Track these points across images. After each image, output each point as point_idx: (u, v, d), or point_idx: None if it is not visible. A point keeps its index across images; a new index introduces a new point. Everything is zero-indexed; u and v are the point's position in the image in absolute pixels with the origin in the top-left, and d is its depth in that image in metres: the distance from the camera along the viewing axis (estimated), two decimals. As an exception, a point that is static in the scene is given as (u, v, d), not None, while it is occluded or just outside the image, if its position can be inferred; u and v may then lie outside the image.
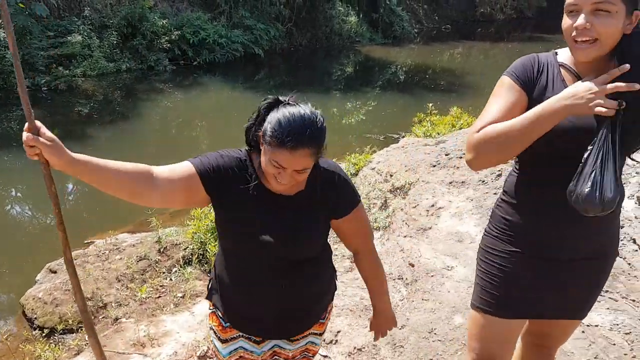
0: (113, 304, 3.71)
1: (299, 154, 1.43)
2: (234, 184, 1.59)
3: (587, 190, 1.45)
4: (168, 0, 15.13)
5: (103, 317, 3.61)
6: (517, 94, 1.59)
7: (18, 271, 4.57)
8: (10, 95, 10.17)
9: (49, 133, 1.39)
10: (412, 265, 3.48)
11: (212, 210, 2.37)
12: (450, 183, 4.83)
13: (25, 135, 1.37)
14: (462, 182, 4.84)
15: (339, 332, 2.87)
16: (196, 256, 4.24)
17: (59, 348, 3.36)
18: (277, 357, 1.85)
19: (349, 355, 2.70)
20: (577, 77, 1.56)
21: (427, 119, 7.88)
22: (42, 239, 5.45)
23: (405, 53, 19.83)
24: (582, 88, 1.42)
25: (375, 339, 1.98)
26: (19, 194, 6.81)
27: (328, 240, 1.78)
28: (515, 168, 1.74)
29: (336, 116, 11.55)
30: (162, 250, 4.36)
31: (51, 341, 3.49)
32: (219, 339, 1.82)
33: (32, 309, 3.79)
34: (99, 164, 1.44)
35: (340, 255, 4.22)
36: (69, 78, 11.21)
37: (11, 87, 10.37)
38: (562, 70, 1.60)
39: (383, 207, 4.84)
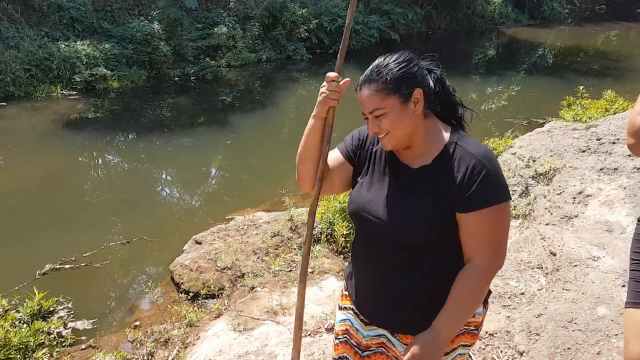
0: (250, 275, 3.92)
1: (363, 94, 1.48)
2: (368, 150, 1.64)
3: None
4: (307, -11, 15.54)
5: (241, 286, 3.83)
6: None
7: (168, 242, 5.01)
8: (162, 84, 11.11)
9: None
10: (554, 254, 3.23)
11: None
12: (601, 170, 4.40)
13: (339, 78, 1.58)
14: (615, 169, 4.38)
15: (469, 315, 2.76)
16: (324, 235, 4.32)
17: (201, 310, 3.63)
18: (384, 350, 1.68)
19: (480, 339, 2.58)
20: None
21: (577, 103, 7.27)
22: (189, 214, 5.92)
23: (554, 35, 18.47)
24: None
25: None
26: (168, 177, 7.45)
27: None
28: None
29: (475, 102, 11.10)
30: (293, 228, 4.51)
31: (195, 304, 3.78)
32: (338, 305, 1.81)
33: (179, 275, 4.13)
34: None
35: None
36: (215, 68, 11.93)
37: (163, 76, 11.32)
38: None
39: (524, 194, 4.55)
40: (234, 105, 10.46)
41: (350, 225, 4.25)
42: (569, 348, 2.35)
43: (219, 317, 3.55)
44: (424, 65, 1.51)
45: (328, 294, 3.55)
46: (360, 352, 1.69)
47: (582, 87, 7.55)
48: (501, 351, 2.51)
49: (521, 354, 2.48)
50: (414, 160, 1.51)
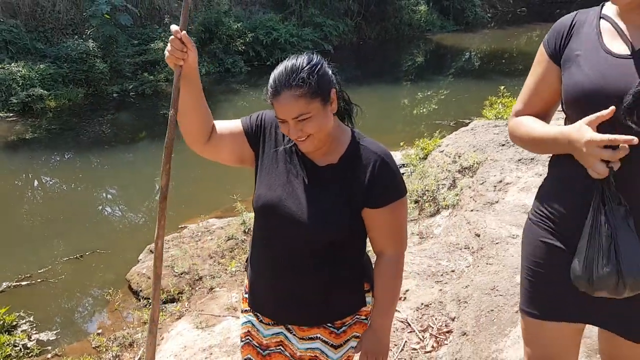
0: (207, 277, 4.17)
1: (284, 98, 1.40)
2: (272, 141, 1.60)
3: (577, 266, 1.35)
4: (241, 3, 15.81)
5: (199, 288, 4.08)
6: (545, 65, 1.47)
7: (122, 254, 5.15)
8: (101, 101, 11.05)
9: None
10: (478, 236, 3.68)
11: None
12: (519, 160, 4.93)
13: (182, 34, 1.42)
14: (532, 159, 4.92)
15: (407, 290, 3.15)
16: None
17: (163, 314, 3.85)
18: (282, 348, 1.74)
19: (417, 310, 2.97)
20: (616, 30, 1.35)
21: (499, 102, 7.89)
22: (140, 226, 6.07)
23: (478, 39, 19.51)
24: (576, 136, 1.28)
25: None
26: (115, 192, 7.52)
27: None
28: None
29: (407, 107, 11.71)
30: (247, 231, 4.79)
31: (156, 309, 3.99)
32: (241, 309, 1.85)
33: (137, 283, 4.33)
34: (202, 95, 1.56)
35: (410, 232, 4.46)
36: (154, 83, 11.93)
37: (101, 93, 11.26)
38: (602, 22, 1.39)
39: (452, 187, 5.02)
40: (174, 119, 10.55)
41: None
42: (491, 310, 2.76)
43: (180, 318, 3.78)
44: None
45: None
46: (261, 351, 1.75)
47: (502, 87, 8.18)
48: (436, 319, 2.91)
49: (453, 319, 2.88)
50: (320, 158, 1.54)
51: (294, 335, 1.68)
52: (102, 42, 11.69)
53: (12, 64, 10.06)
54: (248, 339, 1.78)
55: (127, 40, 12.51)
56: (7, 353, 3.50)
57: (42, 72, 10.35)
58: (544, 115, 1.53)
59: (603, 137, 1.21)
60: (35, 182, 7.75)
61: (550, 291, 1.50)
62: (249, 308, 1.76)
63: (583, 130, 1.26)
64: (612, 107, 1.23)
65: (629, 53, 1.30)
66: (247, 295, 1.77)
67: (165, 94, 11.89)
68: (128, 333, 3.70)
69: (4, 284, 4.48)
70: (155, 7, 13.93)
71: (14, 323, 3.89)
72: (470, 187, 4.59)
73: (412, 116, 11.04)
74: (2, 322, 3.78)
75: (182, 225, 5.35)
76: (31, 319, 4.02)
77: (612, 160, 1.23)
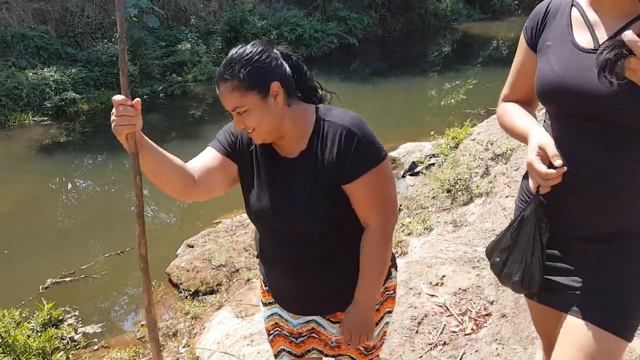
0: (244, 269, 4.25)
1: (221, 91, 1.41)
2: (246, 147, 1.58)
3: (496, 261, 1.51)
4: (265, 1, 15.90)
5: (237, 279, 4.16)
6: (524, 52, 1.48)
7: (161, 249, 5.26)
8: (129, 105, 11.23)
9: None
10: (514, 221, 3.65)
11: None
12: (553, 145, 4.87)
13: (127, 101, 1.36)
14: (565, 143, 4.86)
15: (444, 276, 3.15)
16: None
17: (203, 305, 3.95)
18: (315, 335, 1.71)
19: (455, 295, 2.97)
20: (585, 20, 1.32)
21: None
22: (177, 222, 6.19)
23: (506, 27, 19.23)
24: (529, 147, 1.32)
25: (345, 340, 1.60)
26: (151, 190, 7.68)
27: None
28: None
29: (435, 98, 11.62)
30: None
31: (196, 300, 4.09)
32: (262, 302, 1.81)
33: (177, 276, 4.43)
34: (162, 150, 1.49)
35: (443, 221, 4.46)
36: (182, 84, 12.10)
37: (132, 95, 11.45)
38: (574, 11, 1.35)
39: (485, 175, 4.99)
40: (204, 118, 10.72)
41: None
42: (531, 294, 2.75)
43: (220, 308, 3.87)
44: (277, 54, 1.44)
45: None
46: (294, 339, 1.72)
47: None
48: (474, 302, 2.91)
49: (491, 303, 2.88)
50: (292, 149, 1.50)
51: (328, 320, 1.66)
52: (130, 44, 11.86)
53: (45, 69, 10.35)
54: (277, 330, 1.74)
55: (154, 42, 12.69)
56: (56, 346, 3.63)
57: (74, 76, 10.60)
58: (530, 100, 1.54)
59: (540, 168, 1.25)
60: (71, 184, 7.96)
61: None
62: (273, 300, 1.73)
63: (531, 149, 1.30)
64: (563, 169, 1.24)
65: (592, 47, 1.27)
66: (266, 288, 1.75)
67: (194, 95, 12.06)
68: (171, 323, 3.80)
69: (49, 280, 4.64)
70: (181, 9, 14.11)
71: (60, 317, 4.03)
72: (504, 174, 4.55)
73: (440, 107, 10.96)
74: (49, 316, 3.92)
75: (217, 220, 5.44)
76: (76, 313, 4.15)
77: (542, 185, 1.29)
